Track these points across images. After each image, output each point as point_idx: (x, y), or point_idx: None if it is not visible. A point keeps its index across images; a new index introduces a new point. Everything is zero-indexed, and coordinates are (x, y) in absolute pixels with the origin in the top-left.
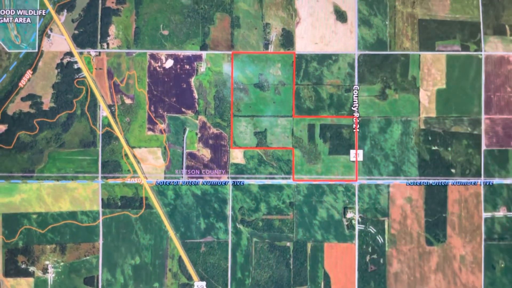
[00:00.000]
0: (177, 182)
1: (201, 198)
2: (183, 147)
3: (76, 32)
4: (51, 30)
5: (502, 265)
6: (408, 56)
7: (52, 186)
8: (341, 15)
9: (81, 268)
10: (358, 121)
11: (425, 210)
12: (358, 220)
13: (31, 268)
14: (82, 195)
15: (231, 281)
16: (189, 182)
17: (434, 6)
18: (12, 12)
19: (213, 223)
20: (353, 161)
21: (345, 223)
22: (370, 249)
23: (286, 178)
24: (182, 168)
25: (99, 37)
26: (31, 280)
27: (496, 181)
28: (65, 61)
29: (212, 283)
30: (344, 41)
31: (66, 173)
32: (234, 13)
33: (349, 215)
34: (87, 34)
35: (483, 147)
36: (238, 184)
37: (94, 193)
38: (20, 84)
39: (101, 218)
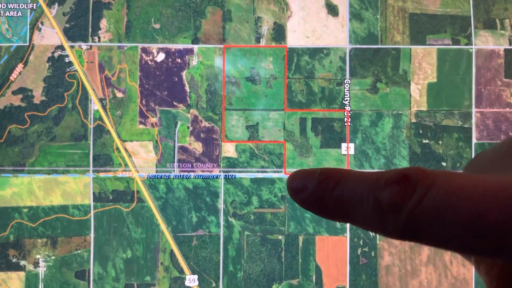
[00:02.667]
0: (169, 175)
1: (193, 191)
2: (174, 141)
3: (67, 25)
4: (42, 23)
5: None
6: (399, 50)
7: (43, 179)
8: (332, 9)
9: (72, 262)
10: (350, 114)
11: None
12: None
13: (22, 262)
14: (73, 188)
15: (223, 274)
16: (180, 175)
17: (425, 0)
18: (3, 5)
19: (204, 216)
20: (345, 155)
21: None
22: (361, 242)
23: (278, 172)
24: (174, 162)
25: (90, 30)
26: (22, 274)
27: None
28: (56, 54)
29: (204, 277)
30: (335, 35)
31: (57, 166)
32: (226, 6)
33: None
34: (78, 28)
35: (474, 141)
36: (229, 177)
37: (86, 187)
38: (11, 78)
39: (92, 211)
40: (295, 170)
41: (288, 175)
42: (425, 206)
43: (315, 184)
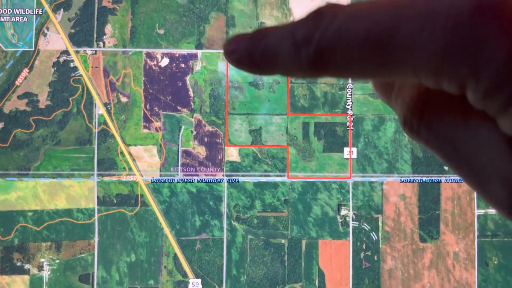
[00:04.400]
0: (173, 179)
1: (196, 195)
2: (178, 145)
3: (72, 31)
4: (47, 29)
5: (496, 262)
6: None
7: (48, 183)
8: None
9: (76, 266)
10: (352, 119)
11: (419, 207)
12: (352, 217)
13: (27, 266)
14: (77, 192)
15: (226, 278)
16: (184, 179)
17: None
18: (9, 11)
19: (208, 220)
20: (347, 159)
21: (339, 220)
22: (364, 246)
23: (281, 176)
24: (178, 166)
25: (95, 36)
26: (26, 277)
27: None
28: (61, 59)
29: (207, 280)
30: None
31: (62, 170)
32: (229, 12)
33: (343, 212)
34: (83, 33)
35: None
36: (233, 181)
37: (90, 191)
38: (17, 83)
39: (96, 215)
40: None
41: (224, 41)
42: (330, 31)
43: (246, 42)
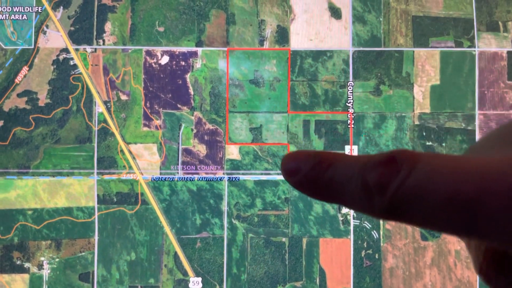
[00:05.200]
0: (173, 178)
1: (197, 193)
2: (178, 143)
3: (72, 28)
4: (47, 26)
5: None
6: (402, 52)
7: (47, 182)
8: (335, 12)
9: (76, 264)
10: (353, 117)
11: None
12: (353, 215)
13: (27, 264)
14: (77, 191)
15: (227, 276)
16: (184, 178)
17: (428, 3)
18: (9, 9)
19: (208, 218)
20: None
21: (340, 218)
22: (365, 245)
23: (281, 174)
24: (178, 164)
25: (95, 33)
26: (26, 276)
27: None
28: (61, 57)
29: (208, 279)
30: (338, 37)
31: (61, 169)
32: (230, 9)
33: (344, 210)
34: (83, 31)
35: None
36: (233, 180)
37: (90, 189)
38: (16, 81)
39: (96, 214)
40: (289, 152)
41: (283, 157)
42: (408, 186)
43: (309, 167)
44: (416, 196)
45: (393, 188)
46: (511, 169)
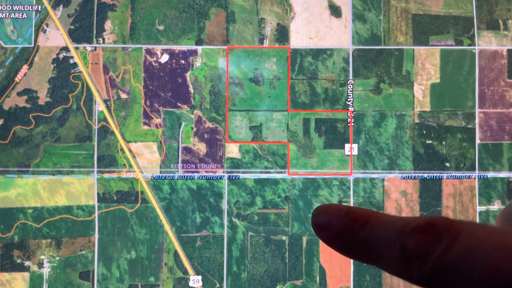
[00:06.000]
0: (173, 176)
1: (197, 192)
2: (178, 142)
3: (72, 27)
4: (47, 25)
5: None
6: (402, 50)
7: (48, 180)
8: (335, 10)
9: (76, 263)
10: (353, 115)
11: (420, 204)
12: None
13: (27, 263)
14: (78, 189)
15: (227, 275)
16: (184, 176)
17: (428, 1)
18: (8, 7)
19: (208, 217)
20: (348, 155)
21: None
22: None
23: (281, 172)
24: (178, 163)
25: (95, 32)
26: (26, 274)
27: (490, 174)
28: (61, 56)
29: (208, 277)
30: (338, 35)
31: (61, 167)
32: (230, 8)
33: None
34: (83, 29)
35: (477, 141)
36: (233, 178)
37: (90, 188)
38: (16, 79)
39: (96, 212)
40: (320, 205)
41: (314, 210)
42: (450, 257)
43: (342, 224)
44: (458, 269)
45: (434, 258)
46: None
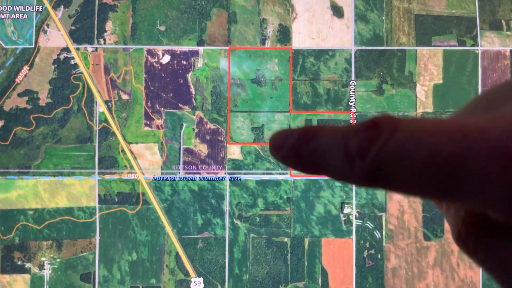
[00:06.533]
0: (174, 177)
1: (198, 193)
2: (180, 143)
3: (73, 27)
4: (48, 26)
5: None
6: (404, 51)
7: (48, 182)
8: (337, 11)
9: (77, 265)
10: (355, 116)
11: (423, 205)
12: (356, 215)
13: (28, 265)
14: (78, 191)
15: (229, 277)
16: (186, 177)
17: (431, 1)
18: (9, 8)
19: (210, 218)
20: None
21: (343, 218)
22: (367, 245)
23: (283, 174)
24: (179, 164)
25: (96, 32)
26: (27, 276)
27: None
28: (62, 56)
29: (209, 279)
30: (340, 36)
31: (62, 169)
32: (231, 8)
33: (347, 210)
34: (84, 30)
35: None
36: (235, 179)
37: (91, 189)
38: (17, 80)
39: (97, 214)
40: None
41: (271, 135)
42: (389, 149)
43: (294, 140)
44: (397, 158)
45: (374, 151)
46: (494, 128)
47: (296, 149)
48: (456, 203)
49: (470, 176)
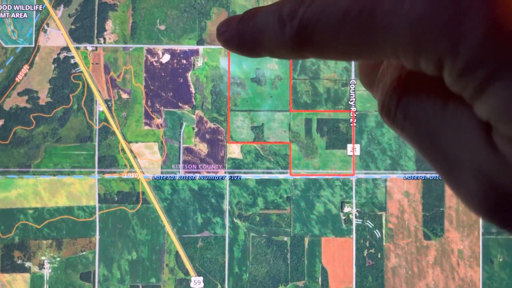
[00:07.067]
0: (174, 177)
1: (198, 193)
2: (180, 142)
3: (72, 27)
4: (47, 25)
5: (501, 260)
6: None
7: (48, 181)
8: None
9: (77, 264)
10: (355, 115)
11: (423, 204)
12: (356, 214)
13: (27, 264)
14: (78, 190)
15: (228, 276)
16: (186, 177)
17: None
18: (9, 7)
19: (210, 218)
20: (350, 156)
21: (343, 217)
22: (367, 244)
23: (283, 173)
24: (179, 163)
25: (96, 32)
26: (27, 275)
27: None
28: (61, 56)
29: (209, 278)
30: None
31: (62, 168)
32: (231, 7)
33: (347, 209)
34: (83, 29)
35: None
36: (235, 178)
37: (91, 188)
38: (17, 79)
39: (97, 213)
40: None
41: (218, 23)
42: (313, 8)
43: (237, 21)
44: (319, 16)
45: (300, 12)
46: None
47: (238, 29)
48: (374, 57)
49: (380, 20)
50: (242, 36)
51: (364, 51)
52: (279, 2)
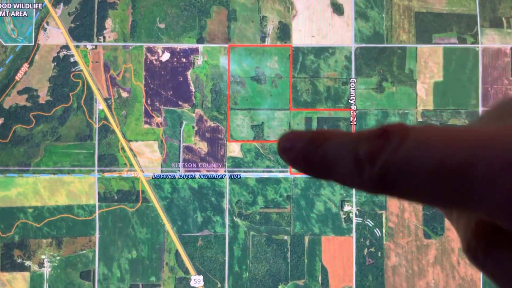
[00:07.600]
0: (174, 175)
1: (198, 191)
2: (179, 141)
3: (72, 25)
4: (47, 23)
5: None
6: (405, 49)
7: (48, 179)
8: (337, 8)
9: (77, 262)
10: (355, 113)
11: None
12: (356, 213)
13: (27, 263)
14: (78, 188)
15: (228, 274)
16: (185, 175)
17: None
18: (9, 5)
19: (210, 216)
20: None
21: (343, 216)
22: (367, 242)
23: (283, 172)
24: (179, 162)
25: (95, 30)
26: (27, 274)
27: None
28: (61, 54)
29: (209, 277)
30: (341, 34)
31: (62, 166)
32: (231, 6)
33: (347, 208)
34: (83, 28)
35: None
36: (235, 177)
37: (91, 187)
38: (17, 78)
39: (97, 211)
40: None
41: (280, 136)
42: (398, 157)
43: (303, 144)
44: (406, 166)
45: (383, 159)
46: (502, 136)
47: (305, 153)
48: (464, 211)
49: (477, 183)
50: (309, 162)
51: (451, 206)
52: (353, 136)
